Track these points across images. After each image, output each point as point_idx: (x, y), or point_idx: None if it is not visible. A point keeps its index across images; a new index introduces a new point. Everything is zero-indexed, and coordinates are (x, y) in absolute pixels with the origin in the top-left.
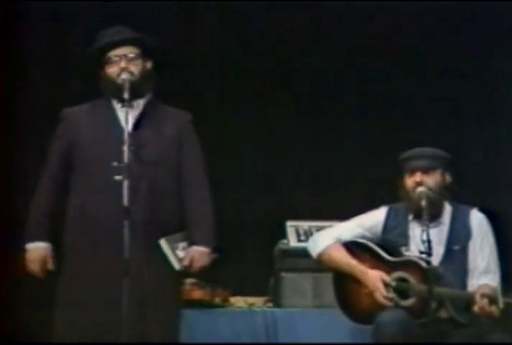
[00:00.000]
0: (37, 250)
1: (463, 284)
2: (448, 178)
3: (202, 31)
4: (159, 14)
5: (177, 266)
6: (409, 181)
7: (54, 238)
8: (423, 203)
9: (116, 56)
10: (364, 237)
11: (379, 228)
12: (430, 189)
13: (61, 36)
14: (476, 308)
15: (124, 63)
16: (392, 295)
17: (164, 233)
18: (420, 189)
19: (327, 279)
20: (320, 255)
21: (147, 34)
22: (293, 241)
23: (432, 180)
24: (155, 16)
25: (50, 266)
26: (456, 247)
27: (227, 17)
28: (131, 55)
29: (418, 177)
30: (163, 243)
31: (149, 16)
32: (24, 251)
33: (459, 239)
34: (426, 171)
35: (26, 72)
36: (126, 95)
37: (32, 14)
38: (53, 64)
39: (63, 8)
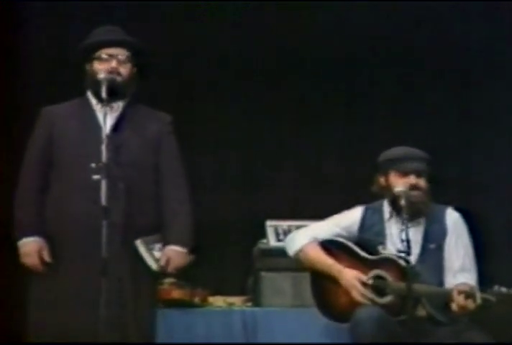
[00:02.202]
0: (30, 243)
1: (439, 283)
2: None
3: (195, 30)
4: (158, 13)
5: (154, 266)
6: (399, 181)
7: (44, 234)
8: (402, 202)
9: (108, 55)
10: (341, 236)
11: (355, 227)
12: (422, 191)
13: (61, 34)
14: (453, 305)
15: (115, 63)
16: (369, 293)
17: (142, 234)
18: (398, 189)
19: (307, 279)
20: (297, 254)
21: (133, 36)
22: (272, 241)
23: (423, 182)
24: (155, 15)
25: (47, 258)
26: (431, 246)
27: (222, 15)
28: (122, 57)
29: (413, 179)
30: (139, 244)
31: (148, 15)
32: None
33: (434, 238)
34: (419, 174)
35: (25, 69)
36: (103, 95)
37: (31, 12)
38: (53, 62)
39: (63, 7)
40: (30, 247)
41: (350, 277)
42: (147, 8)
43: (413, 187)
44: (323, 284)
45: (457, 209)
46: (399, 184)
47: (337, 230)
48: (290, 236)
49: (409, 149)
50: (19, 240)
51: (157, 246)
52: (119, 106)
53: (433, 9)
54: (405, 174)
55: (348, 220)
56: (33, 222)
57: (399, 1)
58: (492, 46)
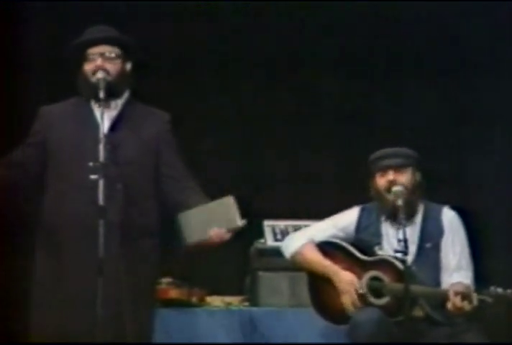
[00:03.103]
0: None
1: (436, 282)
2: (418, 177)
3: (195, 30)
4: (158, 13)
5: (239, 222)
6: (382, 180)
7: None
8: (400, 202)
9: (94, 54)
10: (337, 237)
11: (352, 227)
12: (405, 188)
13: (61, 34)
14: (449, 305)
15: (100, 61)
16: (363, 295)
17: (141, 234)
18: (396, 188)
19: (304, 279)
20: (293, 256)
21: (133, 36)
22: (269, 241)
23: (405, 178)
24: (155, 15)
25: None
26: (428, 245)
27: (222, 15)
28: (109, 54)
29: (391, 175)
30: (231, 200)
31: (148, 15)
32: None
33: (431, 237)
34: (398, 169)
35: (25, 69)
36: (101, 95)
37: (31, 12)
38: (53, 62)
39: (63, 7)
40: None
41: (345, 281)
42: (147, 8)
43: (392, 182)
44: (320, 285)
45: (454, 208)
46: (381, 182)
47: (334, 231)
48: (286, 239)
49: (390, 148)
50: None
51: None
52: (117, 104)
53: (433, 9)
54: (384, 171)
55: (344, 221)
56: None
57: (399, 1)
58: (493, 44)
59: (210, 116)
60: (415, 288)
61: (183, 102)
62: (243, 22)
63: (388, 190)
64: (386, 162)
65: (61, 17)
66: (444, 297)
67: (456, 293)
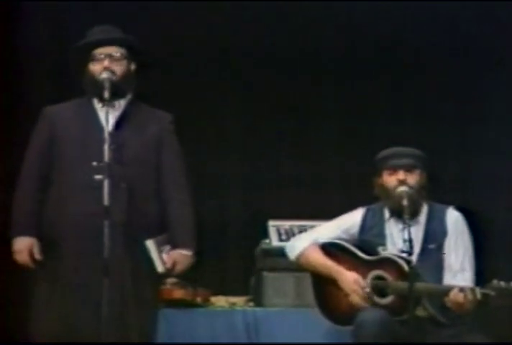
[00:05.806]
0: (22, 241)
1: (439, 282)
2: (425, 178)
3: (196, 30)
4: (158, 12)
5: (160, 268)
6: (390, 179)
7: (39, 234)
8: (405, 202)
9: (101, 54)
10: (341, 238)
11: (356, 229)
12: (411, 188)
13: (61, 34)
14: (452, 300)
15: (107, 62)
16: (368, 294)
17: (144, 234)
18: (401, 188)
19: (309, 279)
20: (297, 257)
21: (134, 35)
22: (274, 241)
23: (413, 179)
24: (155, 15)
25: (37, 256)
26: (431, 246)
27: (222, 15)
28: (116, 55)
29: (401, 175)
30: (150, 244)
31: (148, 15)
32: None
33: (435, 238)
34: (408, 170)
35: (25, 69)
36: (106, 95)
37: (31, 12)
38: (53, 62)
39: (63, 7)
40: (21, 245)
41: (350, 281)
42: (147, 8)
43: (402, 182)
44: (324, 287)
45: (458, 209)
46: (390, 181)
47: (338, 232)
48: (291, 241)
49: (399, 148)
50: (13, 238)
51: (167, 248)
52: (120, 104)
53: (437, 11)
54: (394, 170)
55: (348, 222)
56: (27, 222)
57: (402, 2)
58: (493, 45)
59: (212, 116)
60: (419, 285)
61: (183, 102)
62: (243, 22)
63: (395, 189)
64: (397, 161)
65: (61, 17)
66: (447, 294)
67: (460, 290)
